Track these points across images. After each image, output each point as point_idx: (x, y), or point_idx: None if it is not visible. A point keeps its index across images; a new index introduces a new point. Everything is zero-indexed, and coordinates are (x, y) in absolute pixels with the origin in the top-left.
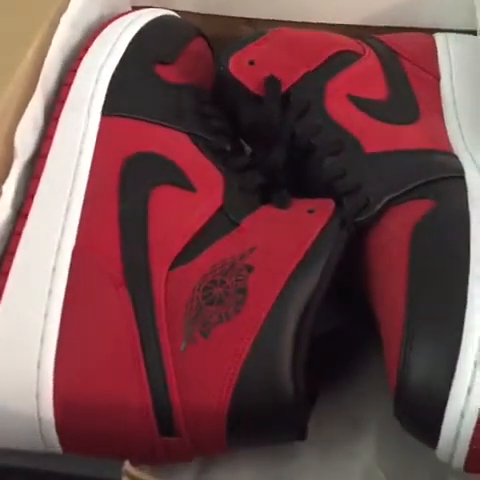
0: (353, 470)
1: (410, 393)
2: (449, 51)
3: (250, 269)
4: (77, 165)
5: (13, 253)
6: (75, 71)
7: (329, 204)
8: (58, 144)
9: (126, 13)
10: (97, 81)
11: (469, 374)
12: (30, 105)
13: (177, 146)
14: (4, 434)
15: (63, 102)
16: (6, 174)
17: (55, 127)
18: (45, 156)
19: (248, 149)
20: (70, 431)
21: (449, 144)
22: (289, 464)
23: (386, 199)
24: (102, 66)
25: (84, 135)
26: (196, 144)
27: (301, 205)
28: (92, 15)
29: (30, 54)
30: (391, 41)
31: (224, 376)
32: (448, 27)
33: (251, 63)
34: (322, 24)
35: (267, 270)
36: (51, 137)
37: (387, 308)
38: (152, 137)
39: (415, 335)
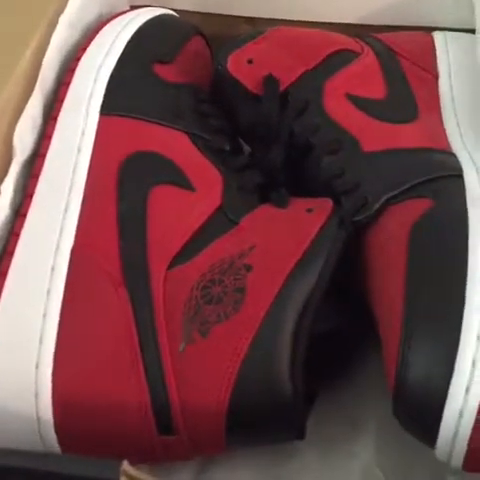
0: (352, 469)
1: (408, 392)
2: (448, 50)
3: (249, 268)
4: (76, 164)
5: (12, 253)
6: (73, 71)
7: (327, 203)
8: (57, 143)
9: (124, 12)
10: (95, 80)
11: (467, 373)
12: (29, 104)
13: (176, 145)
14: (3, 434)
15: (62, 101)
16: (4, 173)
17: (54, 126)
18: (44, 155)
19: (247, 148)
20: (69, 431)
21: (447, 143)
22: (288, 464)
23: (384, 198)
24: (100, 66)
25: (83, 134)
26: (195, 143)
27: (300, 204)
28: (90, 14)
29: (28, 54)
30: (389, 40)
31: (223, 375)
32: (446, 26)
33: (249, 62)
34: (321, 23)
35: (266, 269)
36: (50, 136)
37: (385, 307)
38: (151, 136)
39: (413, 334)
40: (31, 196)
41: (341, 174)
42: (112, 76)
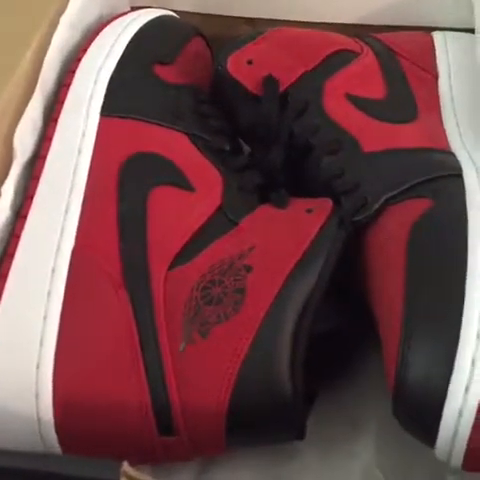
0: (352, 469)
1: (408, 392)
2: (447, 49)
3: (249, 269)
4: (76, 166)
5: (12, 255)
6: (74, 72)
7: (327, 203)
8: (57, 145)
9: (125, 13)
10: (96, 82)
11: (467, 372)
12: (29, 106)
13: (176, 146)
14: (3, 434)
15: (62, 103)
16: (5, 175)
17: (54, 128)
18: (44, 157)
19: (247, 149)
20: (69, 431)
21: (447, 142)
22: (288, 464)
23: (384, 198)
24: (101, 67)
25: (83, 136)
26: (195, 144)
27: (299, 204)
28: (91, 15)
29: (29, 55)
30: (389, 40)
31: (223, 376)
32: (446, 26)
33: (249, 63)
34: (320, 23)
35: (265, 270)
36: (50, 138)
37: (385, 307)
38: (151, 137)
39: (413, 334)
40: (32, 198)
41: (341, 174)
42: (112, 77)
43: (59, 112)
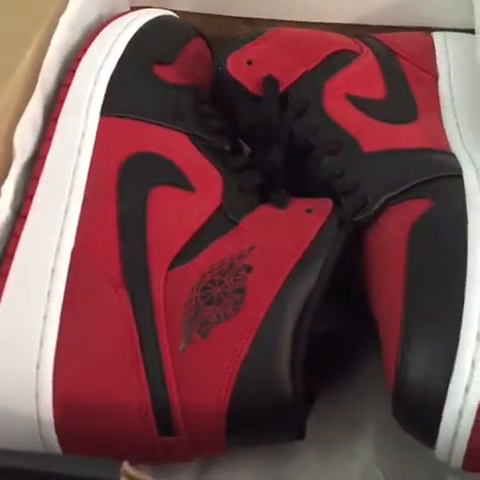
0: (352, 469)
1: (408, 392)
2: (447, 50)
3: (248, 269)
4: (76, 166)
5: (12, 255)
6: (74, 72)
7: (327, 203)
8: (57, 145)
9: (125, 13)
10: (96, 82)
11: (467, 373)
12: (29, 106)
13: (176, 146)
14: (3, 434)
15: (62, 103)
16: (5, 175)
17: (54, 128)
18: (44, 157)
19: (247, 149)
20: (69, 431)
21: (447, 143)
22: (288, 464)
23: (384, 198)
24: (101, 67)
25: (83, 136)
26: (195, 144)
27: (299, 205)
28: (91, 15)
29: (29, 55)
30: (389, 40)
31: (223, 376)
32: (446, 26)
33: (249, 63)
34: (320, 23)
35: (265, 270)
36: (50, 138)
37: (385, 307)
38: (151, 137)
39: (413, 334)
40: (31, 198)
41: (341, 174)
42: (112, 77)
43: (59, 112)
